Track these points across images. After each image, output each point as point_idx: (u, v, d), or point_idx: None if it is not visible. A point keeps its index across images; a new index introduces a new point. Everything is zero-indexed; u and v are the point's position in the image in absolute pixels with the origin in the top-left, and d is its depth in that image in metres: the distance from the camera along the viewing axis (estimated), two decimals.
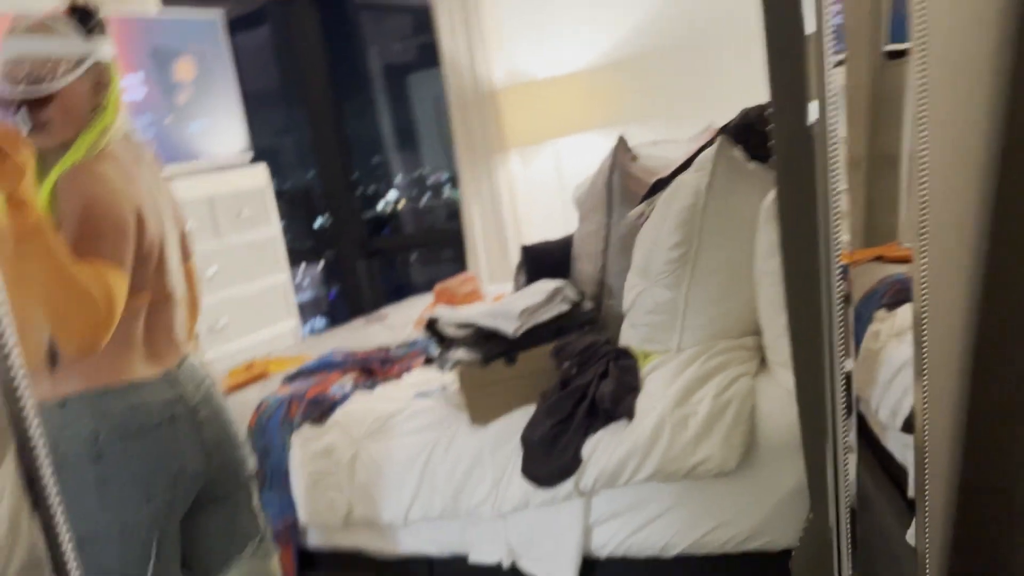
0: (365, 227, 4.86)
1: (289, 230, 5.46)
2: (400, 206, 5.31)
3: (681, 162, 1.75)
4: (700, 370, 1.61)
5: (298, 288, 5.40)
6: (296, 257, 5.44)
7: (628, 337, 1.82)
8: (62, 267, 1.16)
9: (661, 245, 1.67)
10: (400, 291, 5.10)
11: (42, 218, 1.14)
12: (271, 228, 3.71)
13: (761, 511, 1.52)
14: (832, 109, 1.01)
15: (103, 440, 1.31)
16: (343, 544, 2.01)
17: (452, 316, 1.93)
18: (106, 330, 1.20)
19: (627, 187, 1.93)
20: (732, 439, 1.50)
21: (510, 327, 1.81)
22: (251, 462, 1.55)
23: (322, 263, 5.43)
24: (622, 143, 2.07)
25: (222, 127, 3.60)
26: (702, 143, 1.79)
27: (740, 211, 1.61)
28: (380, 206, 5.29)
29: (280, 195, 5.36)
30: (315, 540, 2.03)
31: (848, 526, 1.22)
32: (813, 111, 1.03)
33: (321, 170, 4.73)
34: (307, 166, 5.19)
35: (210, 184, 3.43)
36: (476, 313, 1.89)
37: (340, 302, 5.23)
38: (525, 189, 3.91)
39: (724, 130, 1.69)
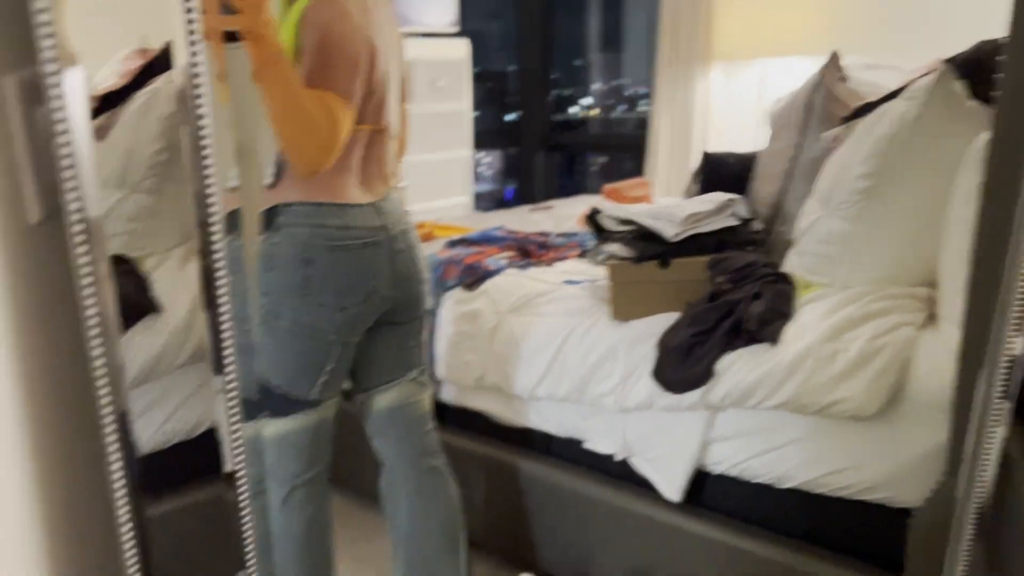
0: (551, 126, 4.85)
1: (480, 117, 5.57)
2: (592, 113, 5.24)
3: (894, 89, 1.61)
4: (861, 310, 1.52)
5: (477, 177, 5.53)
6: (483, 142, 5.55)
7: (793, 264, 1.75)
8: (295, 96, 1.30)
9: (849, 173, 1.57)
10: (574, 193, 5.12)
11: (279, 50, 1.28)
12: (462, 103, 3.79)
13: (891, 464, 1.45)
14: None
15: (315, 248, 1.45)
16: (472, 404, 2.11)
17: (615, 211, 1.93)
18: (329, 155, 1.36)
19: (829, 109, 1.81)
20: (878, 385, 1.43)
21: (671, 230, 1.78)
22: (429, 300, 1.71)
23: (503, 155, 5.51)
24: (834, 59, 1.93)
25: None
26: (923, 74, 1.64)
27: (945, 151, 1.47)
28: (572, 109, 5.25)
29: (476, 78, 5.45)
30: (447, 395, 2.15)
31: (979, 499, 1.15)
32: None
33: (521, 61, 4.73)
34: (508, 57, 5.20)
35: (412, 48, 3.53)
36: (640, 211, 1.87)
37: (515, 199, 5.31)
38: (720, 107, 3.75)
39: (950, 61, 1.53)
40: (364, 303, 1.51)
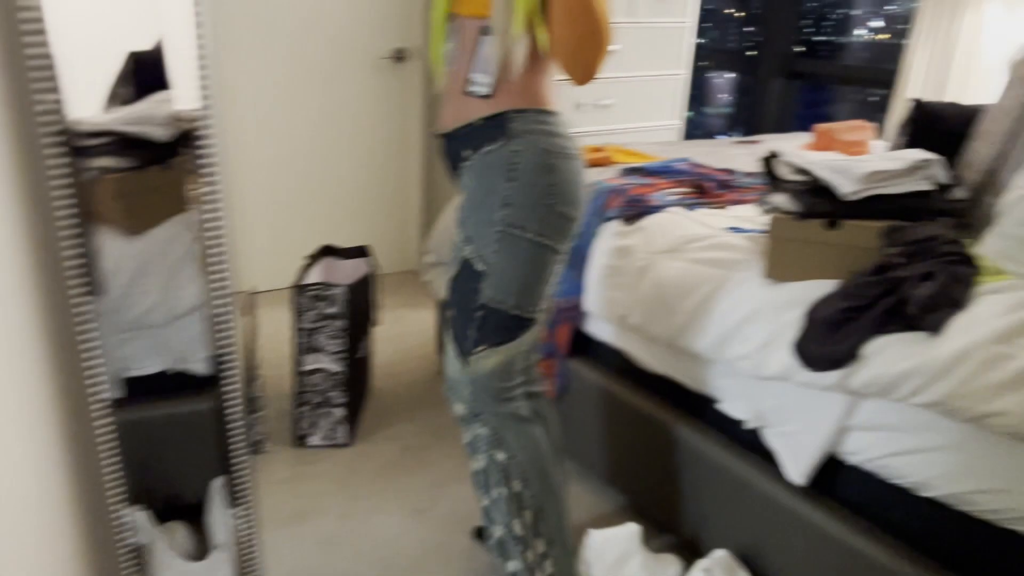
0: (794, 48, 4.42)
1: (719, 32, 5.20)
2: (850, 37, 4.71)
3: None
4: None
5: (706, 100, 5.23)
6: (717, 61, 5.21)
7: (989, 246, 1.48)
8: None
9: None
10: (809, 122, 4.70)
11: None
12: (686, 19, 3.56)
13: None
14: None
15: (556, 155, 1.43)
16: (614, 342, 2.05)
17: (793, 158, 1.73)
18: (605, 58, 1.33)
19: None
20: None
21: (848, 187, 1.57)
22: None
23: (735, 76, 5.15)
24: None
25: None
26: None
27: None
28: (824, 32, 4.75)
29: None
30: (593, 329, 2.11)
31: None
32: None
33: None
34: None
35: None
36: (820, 161, 1.66)
37: (740, 119, 4.98)
38: (992, 46, 3.21)
39: None
40: (579, 215, 1.49)
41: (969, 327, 1.32)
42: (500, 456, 1.54)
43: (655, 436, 1.91)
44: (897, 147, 1.90)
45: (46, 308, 1.09)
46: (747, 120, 4.71)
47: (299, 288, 2.22)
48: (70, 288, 1.13)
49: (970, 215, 1.64)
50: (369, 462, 2.27)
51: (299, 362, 2.28)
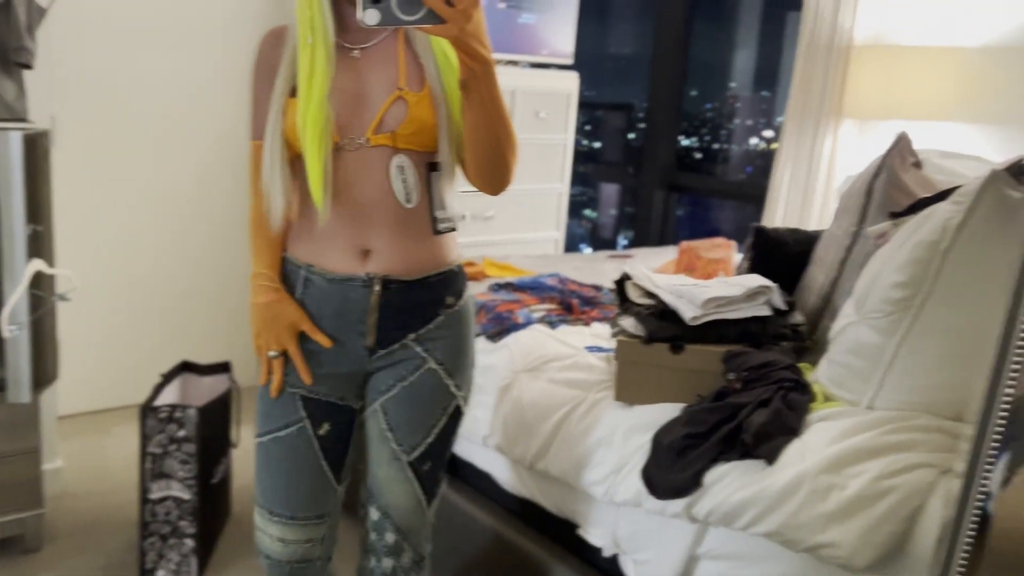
0: (675, 161, 4.64)
1: (606, 146, 5.43)
2: (724, 149, 4.99)
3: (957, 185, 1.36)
4: (876, 440, 1.30)
5: (583, 191, 5.38)
6: (601, 172, 5.41)
7: (822, 372, 1.53)
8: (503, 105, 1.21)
9: (884, 280, 1.34)
10: (692, 231, 4.88)
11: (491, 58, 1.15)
12: (565, 137, 3.69)
13: None
14: None
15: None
16: (478, 463, 2.01)
17: (644, 280, 1.77)
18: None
19: (892, 196, 1.58)
20: (873, 536, 1.20)
21: (690, 313, 1.60)
22: None
23: (618, 188, 5.36)
24: (903, 140, 1.68)
25: (551, 25, 3.59)
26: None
27: (997, 264, 1.22)
28: (693, 143, 5.02)
29: (603, 106, 5.31)
30: (459, 450, 2.06)
31: None
32: None
33: (651, 93, 4.55)
34: (636, 82, 5.05)
35: (518, 78, 3.47)
36: (666, 286, 1.70)
37: (629, 226, 5.15)
38: (847, 166, 3.44)
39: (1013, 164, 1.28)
40: None
41: (802, 456, 1.34)
42: None
43: (515, 561, 1.84)
44: (740, 271, 1.97)
45: None
46: (635, 228, 4.87)
47: (146, 410, 2.10)
48: None
49: (809, 340, 1.70)
50: None
51: (146, 489, 2.13)
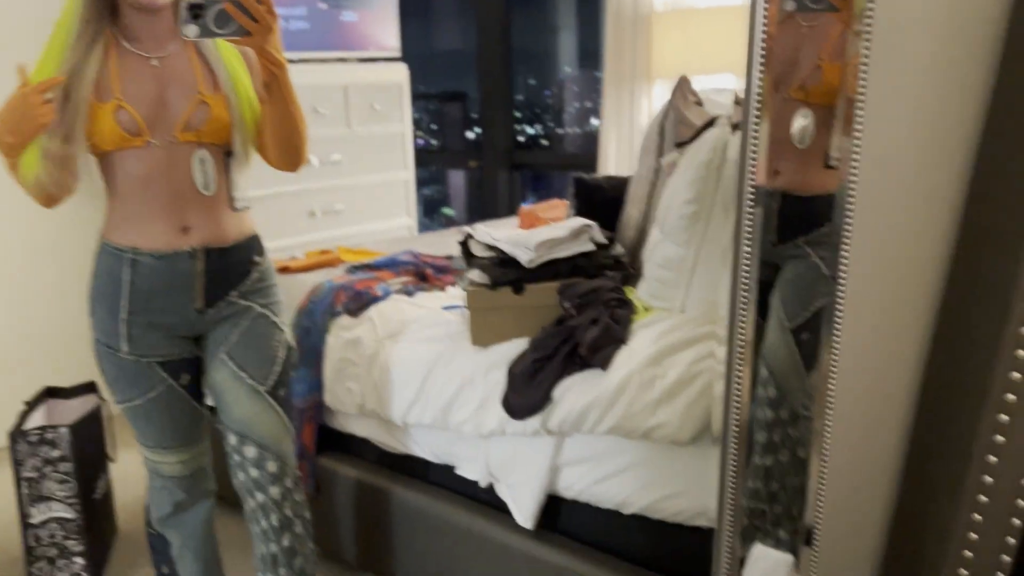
0: (513, 143, 4.87)
1: (444, 135, 5.59)
2: (560, 129, 5.26)
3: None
4: (685, 335, 1.53)
5: (439, 190, 5.55)
6: (446, 161, 5.58)
7: (641, 289, 1.76)
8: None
9: (677, 199, 1.58)
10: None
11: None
12: (402, 126, 3.83)
13: (713, 489, 1.45)
14: None
15: None
16: (357, 431, 2.13)
17: (483, 236, 1.94)
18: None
19: (680, 132, 1.82)
20: (692, 411, 1.43)
21: (525, 256, 1.79)
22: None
23: (464, 173, 5.55)
24: (684, 83, 1.94)
25: (373, 21, 3.71)
26: None
27: None
28: (531, 130, 5.27)
29: (438, 98, 5.47)
30: (335, 422, 2.17)
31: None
32: None
33: (481, 80, 4.75)
34: (470, 73, 5.25)
35: (348, 74, 3.57)
36: (503, 237, 1.88)
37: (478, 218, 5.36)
38: None
39: None
40: None
41: (629, 358, 1.55)
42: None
43: (403, 511, 1.99)
44: (567, 218, 2.18)
45: None
46: (483, 210, 5.07)
47: (16, 435, 2.09)
48: None
49: (632, 266, 1.93)
50: None
51: (26, 515, 2.12)
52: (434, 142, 5.56)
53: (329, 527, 2.16)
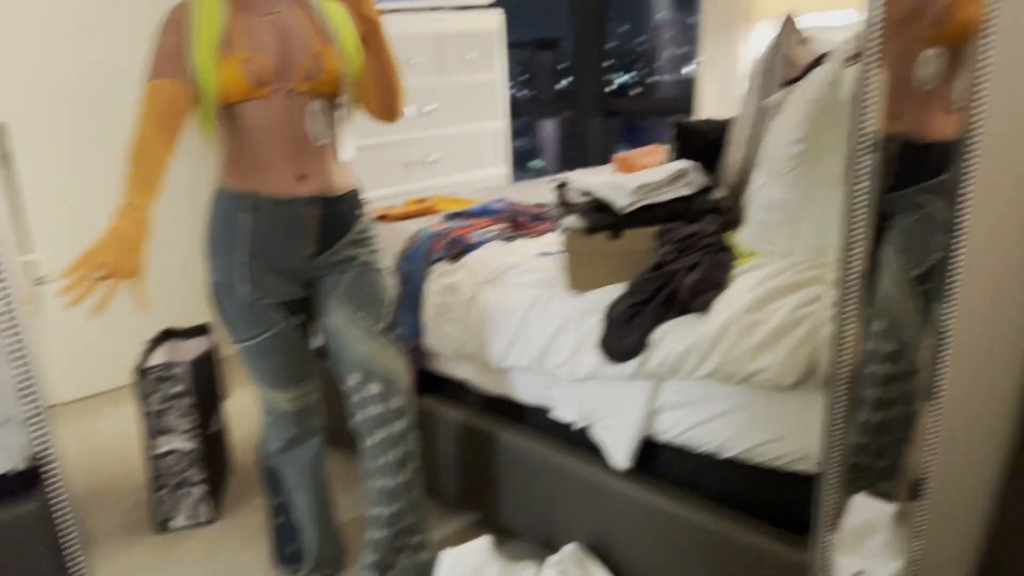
0: (604, 89, 4.79)
1: (535, 84, 5.54)
2: (653, 78, 5.14)
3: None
4: (790, 279, 1.50)
5: (528, 141, 5.53)
6: (536, 111, 5.54)
7: (744, 233, 1.72)
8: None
9: (784, 140, 1.53)
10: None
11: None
12: (496, 74, 3.82)
13: (815, 435, 1.43)
14: None
15: None
16: (456, 373, 2.19)
17: (580, 183, 1.94)
18: None
19: (786, 72, 1.76)
20: (795, 356, 1.41)
21: (621, 201, 1.78)
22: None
23: (555, 121, 5.49)
24: (789, 22, 1.86)
25: None
26: None
27: None
28: (624, 77, 5.15)
29: (530, 45, 5.41)
30: (434, 365, 2.23)
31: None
32: None
33: (575, 27, 4.67)
34: (560, 20, 5.16)
35: (442, 22, 3.57)
36: (599, 183, 1.87)
37: (568, 159, 5.31)
38: None
39: None
40: None
41: (729, 303, 1.53)
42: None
43: (502, 452, 2.04)
44: (665, 163, 2.15)
45: None
46: (574, 160, 5.03)
47: (141, 372, 2.23)
48: None
49: (732, 212, 1.89)
50: (236, 535, 2.28)
51: (151, 446, 2.28)
52: (525, 92, 5.52)
53: (430, 467, 2.23)
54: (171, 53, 1.49)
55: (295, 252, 1.64)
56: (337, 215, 1.67)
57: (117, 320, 3.30)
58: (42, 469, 1.18)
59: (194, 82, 1.49)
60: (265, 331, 1.66)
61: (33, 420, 1.14)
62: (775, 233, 1.61)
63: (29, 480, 1.53)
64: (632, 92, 5.18)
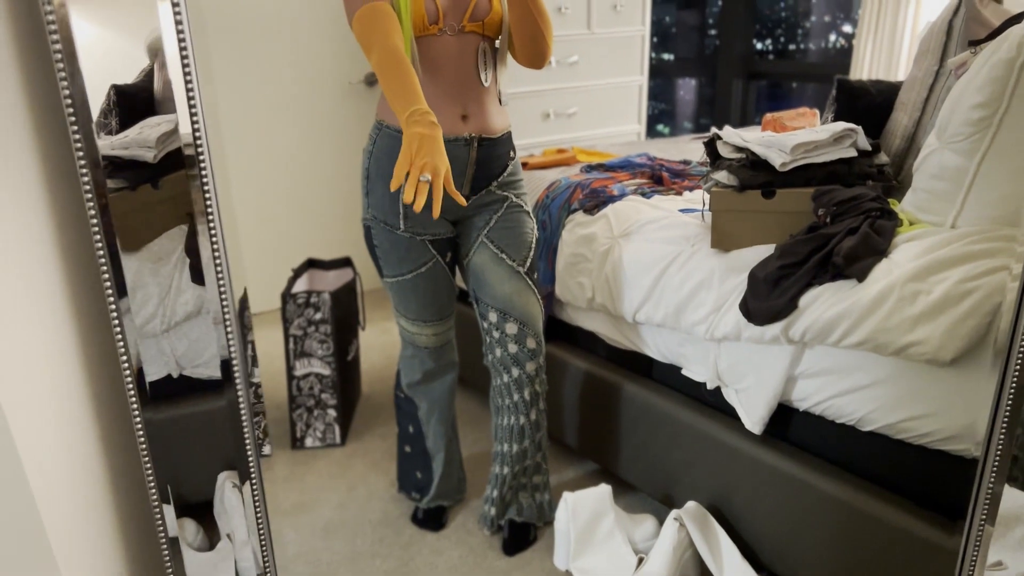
0: (753, 51, 4.61)
1: (679, 43, 5.39)
2: (795, 45, 4.90)
3: None
4: (958, 251, 1.41)
5: (658, 104, 5.40)
6: (678, 71, 5.40)
7: (908, 201, 1.64)
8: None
9: (964, 102, 1.43)
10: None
11: None
12: (640, 29, 3.74)
13: (970, 415, 1.37)
14: None
15: None
16: (584, 324, 2.20)
17: (733, 138, 1.88)
18: None
19: (971, 30, 1.64)
20: (958, 330, 1.34)
21: (779, 159, 1.72)
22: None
23: (692, 84, 5.34)
24: None
25: None
26: None
27: None
28: (767, 43, 4.93)
29: (675, 2, 5.27)
30: (564, 315, 2.25)
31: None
32: None
33: None
34: None
35: None
36: (755, 138, 1.82)
37: (706, 119, 5.16)
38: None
39: None
40: None
41: (889, 271, 1.47)
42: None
43: (627, 405, 2.04)
44: (824, 122, 2.06)
45: (82, 312, 1.22)
46: (712, 120, 4.89)
47: (287, 297, 2.35)
48: (107, 292, 1.25)
49: (895, 178, 1.79)
50: (362, 458, 2.39)
51: (292, 368, 2.41)
52: (666, 56, 5.38)
53: (554, 413, 2.26)
54: None
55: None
56: (493, 156, 1.69)
57: (268, 247, 3.50)
58: (231, 370, 1.28)
59: (396, 10, 1.51)
60: (419, 266, 1.71)
61: (228, 325, 1.24)
62: (941, 202, 1.52)
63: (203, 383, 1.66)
64: (774, 55, 4.96)
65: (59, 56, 1.22)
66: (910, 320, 1.39)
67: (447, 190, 1.33)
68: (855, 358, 1.53)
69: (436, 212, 1.29)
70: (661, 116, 5.67)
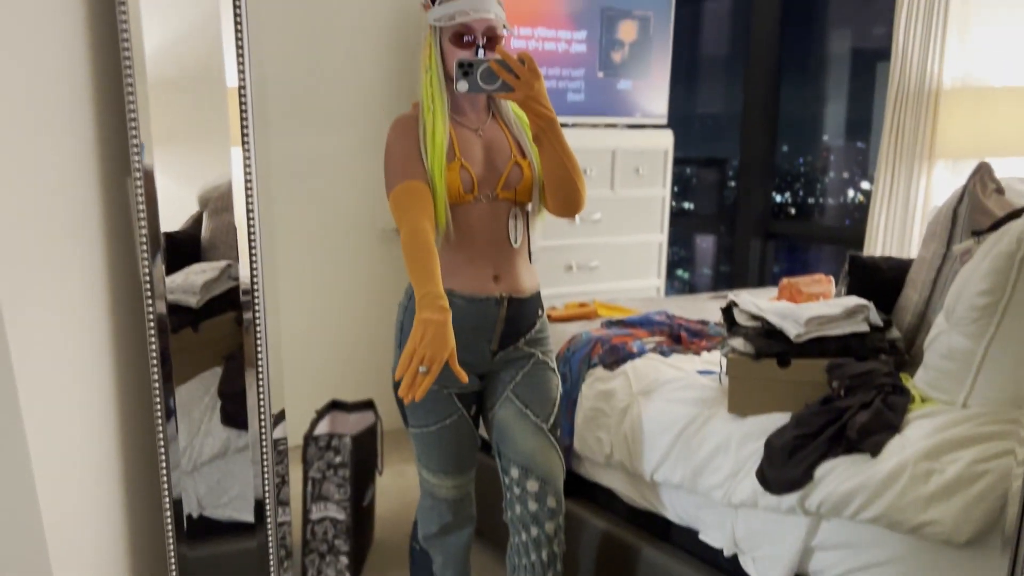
0: (770, 210, 4.80)
1: (699, 198, 5.63)
2: (813, 199, 5.11)
3: None
4: (970, 431, 1.45)
5: (674, 251, 5.56)
6: (697, 225, 5.60)
7: (919, 378, 1.69)
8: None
9: (970, 289, 1.51)
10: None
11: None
12: (661, 191, 3.94)
13: None
14: None
15: None
16: (603, 480, 2.21)
17: (749, 305, 1.97)
18: None
19: (975, 220, 1.74)
20: (971, 512, 1.35)
21: (794, 331, 1.79)
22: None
23: (713, 238, 5.52)
24: (984, 169, 1.84)
25: (646, 89, 3.88)
26: None
27: None
28: (787, 199, 5.14)
29: (696, 162, 5.53)
30: (581, 469, 2.27)
31: None
32: None
33: (743, 146, 4.76)
34: (727, 137, 5.25)
35: (616, 138, 3.75)
36: (770, 308, 1.90)
37: (724, 277, 5.29)
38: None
39: None
40: None
41: (902, 447, 1.50)
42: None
43: (643, 568, 2.02)
44: (838, 294, 2.14)
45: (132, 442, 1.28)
46: (731, 278, 5.02)
47: (308, 439, 2.40)
48: (158, 427, 1.32)
49: (907, 352, 1.85)
50: None
51: (308, 511, 2.42)
52: (686, 205, 5.61)
53: (568, 571, 2.24)
54: (411, 158, 1.63)
55: (478, 348, 1.74)
56: (522, 315, 1.77)
57: (293, 388, 3.56)
58: (264, 512, 1.33)
59: (430, 184, 1.63)
60: (444, 419, 1.76)
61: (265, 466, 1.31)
62: (952, 382, 1.57)
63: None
64: (791, 211, 5.14)
65: (140, 203, 1.35)
66: (924, 499, 1.41)
67: (450, 366, 1.40)
68: (871, 533, 1.53)
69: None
70: (680, 262, 5.83)
